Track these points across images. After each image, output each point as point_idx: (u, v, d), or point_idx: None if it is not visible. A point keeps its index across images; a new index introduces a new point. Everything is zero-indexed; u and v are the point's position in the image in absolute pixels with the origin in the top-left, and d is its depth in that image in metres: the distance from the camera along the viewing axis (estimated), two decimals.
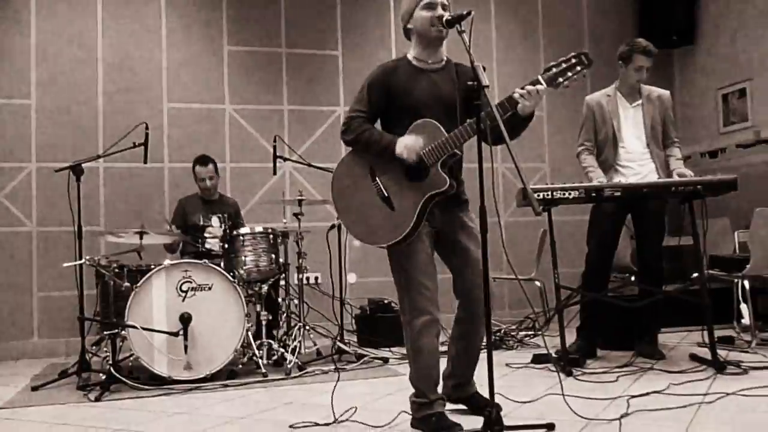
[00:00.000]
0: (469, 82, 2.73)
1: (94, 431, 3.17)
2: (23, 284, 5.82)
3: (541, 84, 2.80)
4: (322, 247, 5.39)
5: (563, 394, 2.99)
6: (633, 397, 3.29)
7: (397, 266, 2.96)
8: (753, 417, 2.94)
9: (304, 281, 5.08)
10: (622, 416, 2.95)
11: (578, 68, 2.82)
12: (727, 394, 3.32)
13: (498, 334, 5.41)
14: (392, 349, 5.13)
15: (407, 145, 2.86)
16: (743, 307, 4.87)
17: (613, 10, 7.50)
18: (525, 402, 3.31)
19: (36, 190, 5.88)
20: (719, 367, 3.90)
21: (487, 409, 2.59)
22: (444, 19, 2.86)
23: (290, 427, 3.06)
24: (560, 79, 2.82)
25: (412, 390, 2.99)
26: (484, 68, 2.72)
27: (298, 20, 6.62)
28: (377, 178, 2.94)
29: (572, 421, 2.90)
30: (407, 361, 3.03)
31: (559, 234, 4.38)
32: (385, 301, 5.74)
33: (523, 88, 2.79)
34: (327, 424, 3.05)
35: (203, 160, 5.46)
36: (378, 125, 3.06)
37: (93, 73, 6.08)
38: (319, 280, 6.07)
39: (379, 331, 5.47)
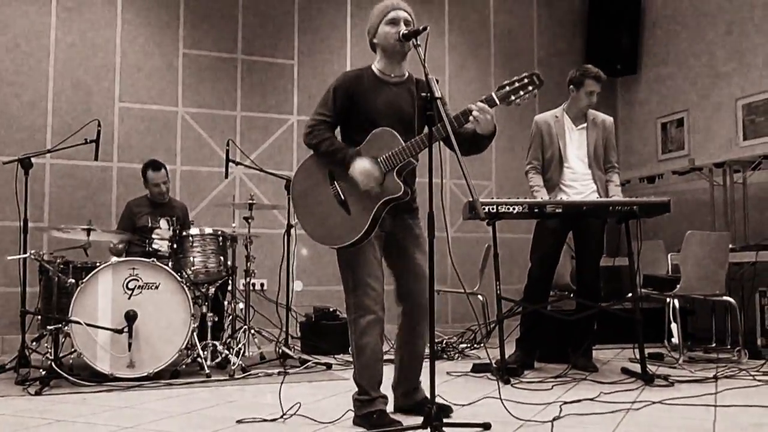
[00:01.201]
0: (423, 94, 2.86)
1: (35, 422, 3.14)
2: None
3: (495, 101, 2.94)
4: (270, 254, 5.43)
5: (500, 398, 3.12)
6: (566, 403, 3.44)
7: (346, 267, 3.05)
8: (676, 422, 3.11)
9: (250, 288, 5.10)
10: (554, 419, 3.08)
11: (530, 87, 2.95)
12: (654, 402, 3.49)
13: (440, 345, 5.52)
14: (336, 356, 5.20)
15: (364, 172, 2.94)
16: (673, 326, 5.10)
17: (561, 37, 7.80)
18: (464, 404, 3.42)
19: None
20: (648, 379, 4.09)
21: (427, 406, 2.68)
22: (401, 33, 2.99)
23: (237, 422, 3.10)
24: (513, 97, 2.95)
25: (356, 389, 3.07)
26: (437, 81, 2.87)
27: (254, 27, 6.68)
28: (335, 182, 3.04)
29: (508, 422, 3.02)
30: (351, 362, 3.12)
31: (503, 251, 4.54)
32: (330, 309, 5.81)
33: (480, 111, 2.91)
34: (274, 420, 3.10)
35: (156, 165, 5.42)
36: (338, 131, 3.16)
37: (44, 67, 6.00)
38: (265, 287, 6.10)
39: (323, 339, 5.52)
